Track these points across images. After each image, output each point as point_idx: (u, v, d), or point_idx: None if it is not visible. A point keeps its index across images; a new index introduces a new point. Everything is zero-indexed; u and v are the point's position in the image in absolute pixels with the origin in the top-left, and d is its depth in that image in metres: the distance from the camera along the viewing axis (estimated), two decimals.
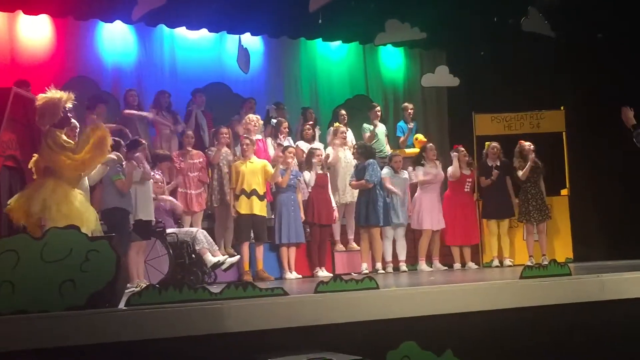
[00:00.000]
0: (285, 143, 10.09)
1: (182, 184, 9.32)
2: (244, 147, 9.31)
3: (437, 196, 10.07)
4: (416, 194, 10.02)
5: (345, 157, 10.25)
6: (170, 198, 8.90)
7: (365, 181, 9.40)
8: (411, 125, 11.50)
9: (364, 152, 9.70)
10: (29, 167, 6.44)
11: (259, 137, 10.00)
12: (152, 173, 8.51)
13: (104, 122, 9.32)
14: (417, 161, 10.23)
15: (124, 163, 7.80)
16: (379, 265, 9.57)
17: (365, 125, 11.17)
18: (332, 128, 10.72)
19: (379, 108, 11.39)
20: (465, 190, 10.28)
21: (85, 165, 6.41)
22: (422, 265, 9.86)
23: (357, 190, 9.68)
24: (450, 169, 10.17)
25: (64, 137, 6.34)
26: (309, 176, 9.73)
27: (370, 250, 9.61)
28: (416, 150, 11.14)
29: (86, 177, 6.98)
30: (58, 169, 6.24)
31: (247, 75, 10.91)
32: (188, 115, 10.35)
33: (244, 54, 10.40)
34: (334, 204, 9.87)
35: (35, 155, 6.44)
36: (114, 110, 10.20)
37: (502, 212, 10.27)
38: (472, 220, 10.27)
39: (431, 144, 10.41)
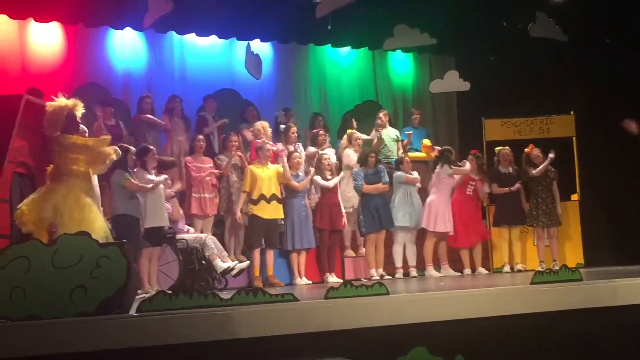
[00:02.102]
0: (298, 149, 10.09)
1: (195, 188, 9.33)
2: (265, 152, 9.31)
3: (449, 198, 10.03)
4: (430, 198, 9.92)
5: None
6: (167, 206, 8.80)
7: (385, 184, 9.63)
8: (409, 131, 11.42)
9: (375, 158, 9.87)
10: (47, 179, 6.47)
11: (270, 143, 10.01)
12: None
13: (109, 124, 9.47)
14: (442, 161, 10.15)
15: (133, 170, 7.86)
16: (380, 270, 9.62)
17: (373, 132, 11.18)
18: (348, 131, 10.70)
19: (381, 114, 11.30)
20: (467, 193, 10.18)
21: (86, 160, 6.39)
22: (431, 271, 9.83)
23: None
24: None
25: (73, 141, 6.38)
26: (320, 180, 9.71)
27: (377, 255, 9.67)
28: (422, 154, 11.12)
29: (97, 185, 7.02)
30: (70, 170, 6.26)
31: (257, 81, 10.91)
32: (202, 122, 10.35)
33: (255, 59, 10.40)
34: (343, 210, 9.87)
35: (51, 166, 6.47)
36: (124, 116, 10.23)
37: (513, 219, 10.22)
38: (474, 225, 10.16)
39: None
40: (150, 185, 7.90)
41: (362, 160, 9.88)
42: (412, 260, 9.85)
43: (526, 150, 10.24)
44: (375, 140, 10.90)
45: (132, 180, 7.71)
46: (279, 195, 9.29)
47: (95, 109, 9.40)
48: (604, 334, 5.14)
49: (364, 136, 10.82)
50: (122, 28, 10.78)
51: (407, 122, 12.26)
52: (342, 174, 9.85)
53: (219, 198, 9.54)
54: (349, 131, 10.62)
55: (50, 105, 6.41)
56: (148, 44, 11.21)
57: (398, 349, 4.35)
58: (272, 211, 9.20)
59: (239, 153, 9.64)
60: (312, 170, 9.65)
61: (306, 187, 9.59)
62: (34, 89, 8.55)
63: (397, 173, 9.95)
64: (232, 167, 9.60)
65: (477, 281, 8.34)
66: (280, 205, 9.29)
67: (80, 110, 6.52)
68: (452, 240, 10.05)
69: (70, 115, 6.39)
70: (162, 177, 8.17)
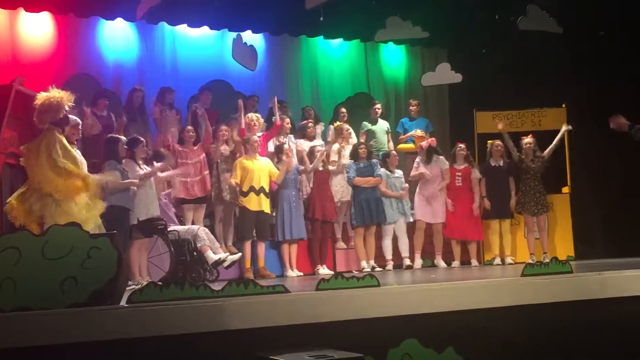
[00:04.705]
0: (286, 141, 10.06)
1: (181, 174, 9.26)
2: (253, 144, 9.30)
3: (434, 190, 10.01)
4: (417, 190, 10.01)
5: (345, 155, 10.22)
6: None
7: (377, 177, 9.66)
8: (410, 132, 11.43)
9: (369, 151, 9.92)
10: (20, 162, 6.40)
11: (259, 134, 9.98)
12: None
13: (104, 116, 9.42)
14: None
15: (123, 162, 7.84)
16: (372, 262, 9.62)
17: (364, 122, 11.17)
18: (332, 126, 10.68)
19: (378, 106, 11.33)
20: (457, 184, 10.17)
21: (57, 188, 6.28)
22: (416, 262, 9.86)
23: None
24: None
25: (61, 144, 6.27)
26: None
27: (365, 248, 9.69)
28: (411, 145, 11.12)
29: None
30: (37, 174, 6.17)
31: (249, 73, 10.87)
32: (193, 114, 10.30)
33: (249, 51, 10.36)
34: (336, 201, 9.88)
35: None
36: (115, 107, 10.18)
37: (503, 213, 10.24)
38: (465, 216, 10.14)
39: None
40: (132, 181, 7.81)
41: (354, 154, 9.88)
42: (404, 252, 9.87)
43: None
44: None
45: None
46: (267, 189, 9.27)
47: (86, 102, 9.35)
48: (593, 326, 5.17)
49: (353, 136, 10.79)
50: (113, 18, 10.73)
51: (399, 114, 12.25)
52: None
53: (210, 183, 9.47)
54: (336, 124, 10.60)
55: (40, 97, 6.35)
56: (139, 35, 11.16)
57: (389, 341, 4.36)
58: (260, 203, 9.16)
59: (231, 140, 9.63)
60: (290, 162, 9.57)
61: (289, 173, 9.50)
62: (19, 77, 8.46)
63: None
64: (220, 157, 9.56)
65: (468, 273, 8.36)
66: (268, 199, 9.27)
67: (69, 103, 6.45)
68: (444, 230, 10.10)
69: (60, 107, 6.34)
70: (143, 171, 8.07)
